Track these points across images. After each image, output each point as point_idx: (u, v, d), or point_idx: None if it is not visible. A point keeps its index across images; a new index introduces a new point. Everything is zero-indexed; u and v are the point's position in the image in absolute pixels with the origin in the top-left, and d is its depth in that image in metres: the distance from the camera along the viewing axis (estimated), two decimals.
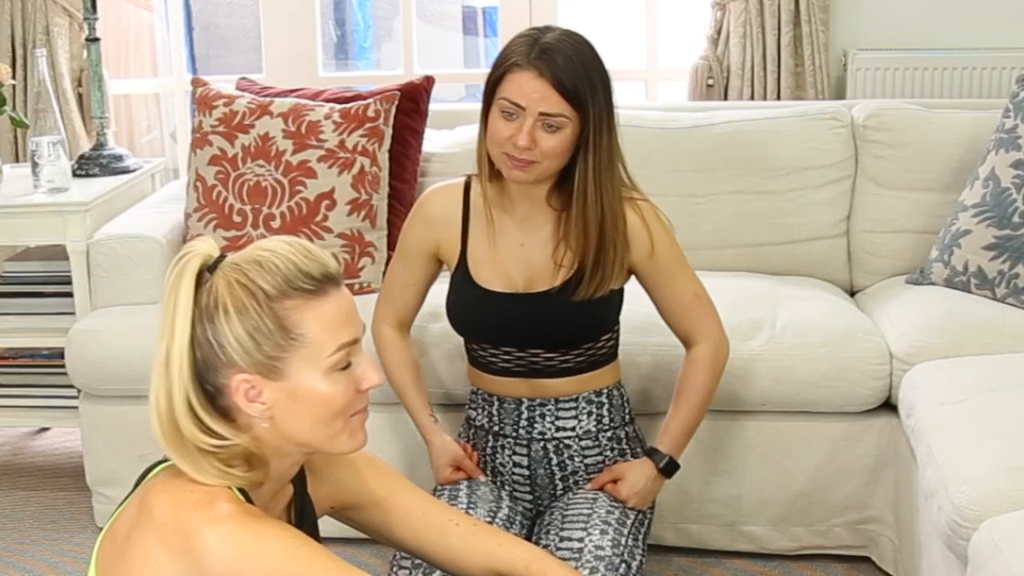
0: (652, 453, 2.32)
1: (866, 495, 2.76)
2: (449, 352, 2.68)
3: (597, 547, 2.09)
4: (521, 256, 2.27)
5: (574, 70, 2.12)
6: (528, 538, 2.24)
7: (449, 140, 3.26)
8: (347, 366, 1.55)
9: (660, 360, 2.65)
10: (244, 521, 1.44)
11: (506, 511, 2.26)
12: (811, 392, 2.69)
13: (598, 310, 2.28)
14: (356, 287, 3.00)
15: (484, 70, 2.48)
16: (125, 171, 3.43)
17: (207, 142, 3.07)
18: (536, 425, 2.31)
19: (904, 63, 3.90)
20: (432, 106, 3.20)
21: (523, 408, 2.31)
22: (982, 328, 2.70)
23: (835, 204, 3.16)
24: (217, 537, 1.42)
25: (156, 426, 1.52)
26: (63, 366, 2.99)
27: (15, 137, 4.15)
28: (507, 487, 2.35)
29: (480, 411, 2.37)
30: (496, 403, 2.33)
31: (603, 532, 2.14)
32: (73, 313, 3.11)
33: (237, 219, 3.03)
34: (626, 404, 2.38)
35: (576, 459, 2.32)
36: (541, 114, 2.12)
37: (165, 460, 1.55)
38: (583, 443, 2.32)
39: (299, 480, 1.70)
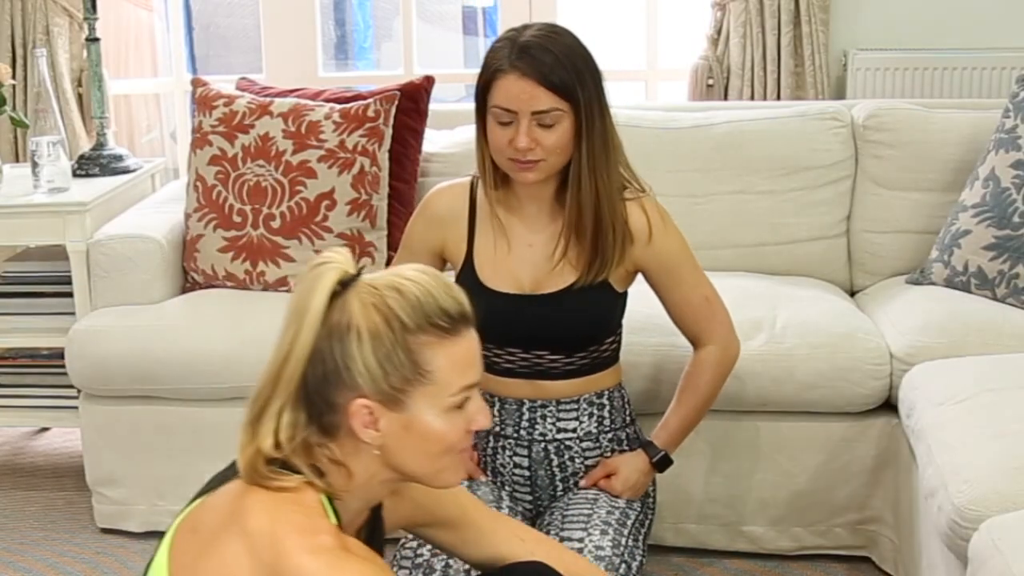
0: (647, 446, 2.33)
1: (866, 495, 2.76)
2: None
3: (597, 547, 2.10)
4: (529, 257, 2.27)
5: (557, 63, 2.12)
6: None
7: (449, 140, 3.26)
8: (462, 405, 1.56)
9: (662, 361, 2.65)
10: (340, 556, 1.43)
11: (506, 511, 2.26)
12: (811, 392, 2.69)
13: (603, 312, 2.28)
14: None
15: None
16: (125, 171, 3.43)
17: (207, 142, 3.07)
18: (537, 426, 2.31)
19: (904, 63, 3.90)
20: (432, 106, 3.20)
21: (524, 409, 2.31)
22: (982, 328, 2.70)
23: (835, 204, 3.16)
24: (312, 567, 1.41)
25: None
26: (63, 366, 2.99)
27: (15, 137, 4.15)
28: (507, 487, 2.35)
29: None
30: (497, 404, 2.33)
31: (603, 532, 2.14)
32: (73, 313, 3.11)
33: (237, 219, 3.02)
34: (627, 406, 2.38)
35: (577, 460, 2.32)
36: (534, 114, 2.12)
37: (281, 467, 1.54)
38: (584, 444, 2.32)
39: (376, 503, 1.70)
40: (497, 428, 2.34)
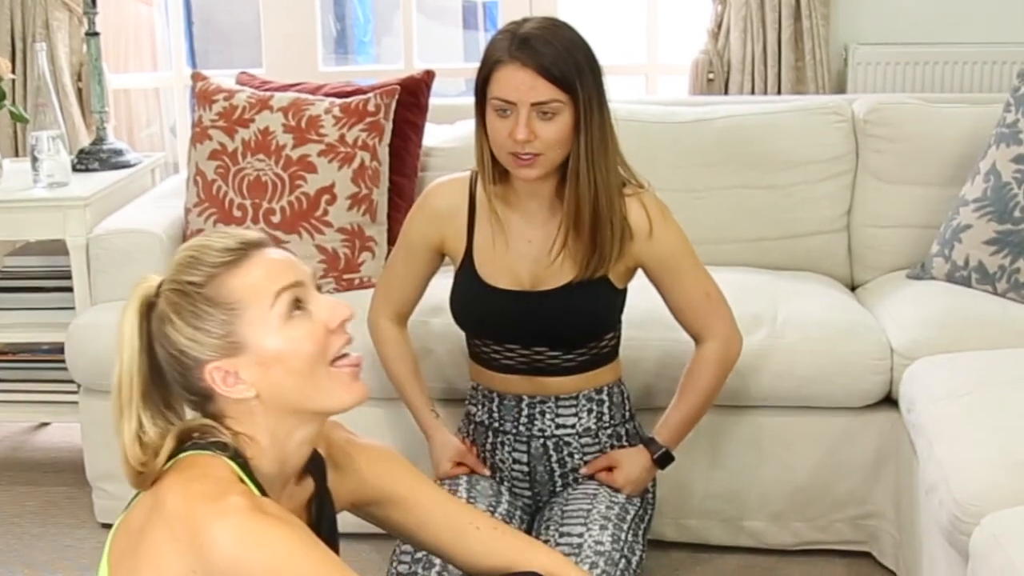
0: (649, 443, 2.32)
1: (867, 490, 2.76)
2: (451, 347, 2.67)
3: (597, 542, 2.09)
4: (528, 254, 2.27)
5: (557, 54, 2.11)
6: (527, 533, 2.23)
7: (449, 134, 3.26)
8: (301, 312, 1.55)
9: (662, 356, 2.65)
10: (252, 516, 1.44)
11: (505, 506, 2.26)
12: (812, 387, 2.69)
13: (602, 308, 2.28)
14: (356, 281, 2.99)
15: None
16: (125, 166, 3.43)
17: (207, 136, 3.07)
18: (536, 422, 2.31)
19: (905, 57, 3.89)
20: (432, 100, 3.20)
21: (523, 405, 2.31)
22: (983, 323, 2.70)
23: (836, 199, 3.15)
24: (223, 530, 1.42)
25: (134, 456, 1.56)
26: (63, 361, 2.99)
27: (15, 132, 4.14)
28: (506, 483, 2.35)
29: (480, 407, 2.37)
30: (496, 399, 2.33)
31: (603, 527, 2.13)
32: (73, 308, 3.11)
33: (237, 214, 3.02)
34: (626, 401, 2.38)
35: (576, 456, 2.32)
36: (533, 105, 2.11)
37: (180, 452, 1.55)
38: (583, 440, 2.31)
39: (320, 476, 1.70)
40: (496, 423, 2.34)
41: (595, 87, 2.16)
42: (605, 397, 2.33)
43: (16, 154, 4.09)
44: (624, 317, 2.36)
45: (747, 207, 3.13)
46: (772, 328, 2.73)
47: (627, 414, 2.37)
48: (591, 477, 2.30)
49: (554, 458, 2.31)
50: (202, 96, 3.12)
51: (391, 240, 3.05)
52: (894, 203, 3.12)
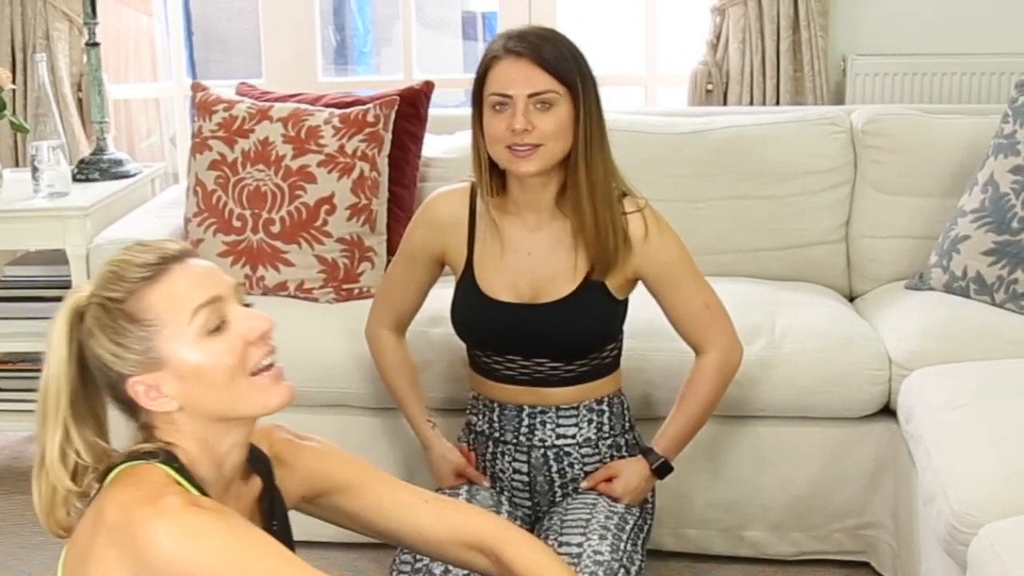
0: (647, 453, 2.33)
1: (865, 500, 2.76)
2: (451, 358, 2.67)
3: (596, 552, 2.09)
4: (528, 266, 2.27)
5: (554, 48, 2.17)
6: None
7: (449, 145, 3.27)
8: (220, 326, 1.55)
9: (662, 366, 2.65)
10: (188, 512, 1.45)
11: (505, 516, 2.26)
12: (810, 397, 2.69)
13: (603, 320, 2.28)
14: (356, 291, 3.00)
15: None
16: (125, 176, 3.44)
17: (207, 147, 3.07)
18: (536, 432, 2.31)
19: (903, 68, 3.90)
20: (432, 111, 3.20)
21: (524, 415, 2.31)
22: (981, 333, 2.70)
23: (834, 209, 3.16)
24: (160, 529, 1.42)
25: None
26: None
27: (15, 142, 4.14)
28: (506, 493, 2.35)
29: (480, 417, 2.37)
30: (497, 409, 2.33)
31: (602, 537, 2.14)
32: None
33: (237, 224, 3.03)
34: (626, 412, 2.38)
35: (576, 466, 2.32)
36: (530, 96, 2.14)
37: (122, 463, 1.56)
38: (583, 451, 2.32)
39: (267, 474, 1.71)
40: (496, 433, 2.34)
41: (592, 84, 2.20)
42: (605, 407, 2.33)
43: (16, 164, 4.10)
44: (625, 327, 2.36)
45: (746, 218, 3.14)
46: (771, 339, 2.74)
47: (627, 424, 2.37)
48: (591, 488, 2.30)
49: (554, 468, 2.32)
50: (202, 106, 3.13)
51: (391, 250, 3.05)
52: (892, 214, 3.12)
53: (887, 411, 2.71)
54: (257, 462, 1.70)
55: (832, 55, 3.93)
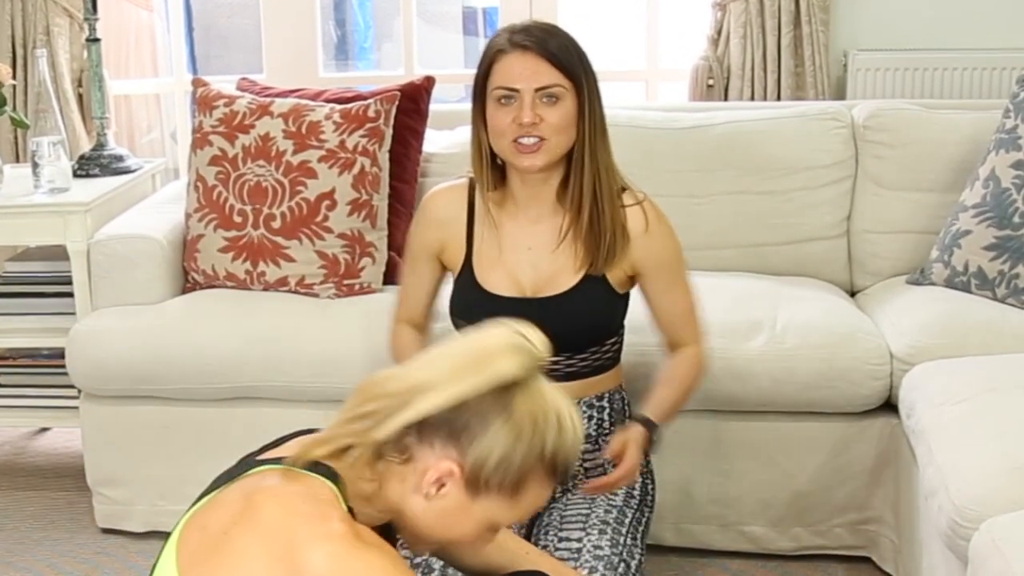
0: (647, 423, 2.23)
1: (866, 495, 2.76)
2: None
3: (596, 547, 2.10)
4: (528, 260, 2.27)
5: (558, 42, 2.18)
6: (527, 539, 2.23)
7: (449, 140, 3.26)
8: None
9: (662, 361, 2.64)
10: (353, 544, 1.43)
11: None
12: (811, 392, 2.69)
13: (604, 313, 2.28)
14: (356, 287, 3.00)
15: None
16: (125, 171, 3.44)
17: (207, 142, 3.07)
18: None
19: (904, 63, 3.90)
20: (432, 106, 3.20)
21: None
22: (982, 328, 2.70)
23: (835, 204, 3.16)
24: (323, 554, 1.41)
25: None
26: (64, 366, 2.99)
27: (16, 137, 4.15)
28: None
29: None
30: None
31: (601, 532, 2.14)
32: (74, 313, 3.11)
33: (237, 219, 3.02)
34: (627, 408, 2.38)
35: (575, 463, 2.31)
36: (537, 90, 2.14)
37: (261, 454, 1.54)
38: (583, 447, 2.31)
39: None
40: None
41: (594, 82, 2.21)
42: (606, 404, 2.33)
43: (17, 160, 4.10)
44: (626, 322, 2.36)
45: (747, 213, 3.14)
46: (772, 334, 2.73)
47: (627, 421, 2.37)
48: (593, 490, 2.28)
49: None
50: (203, 102, 3.12)
51: (391, 246, 3.05)
52: (894, 209, 3.12)
53: (888, 406, 2.71)
54: None
55: (833, 50, 3.94)
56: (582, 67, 2.18)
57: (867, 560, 2.82)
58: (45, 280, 3.31)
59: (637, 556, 2.15)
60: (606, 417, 2.33)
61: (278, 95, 3.18)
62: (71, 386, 3.04)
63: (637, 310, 2.38)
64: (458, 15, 6.87)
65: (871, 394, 2.69)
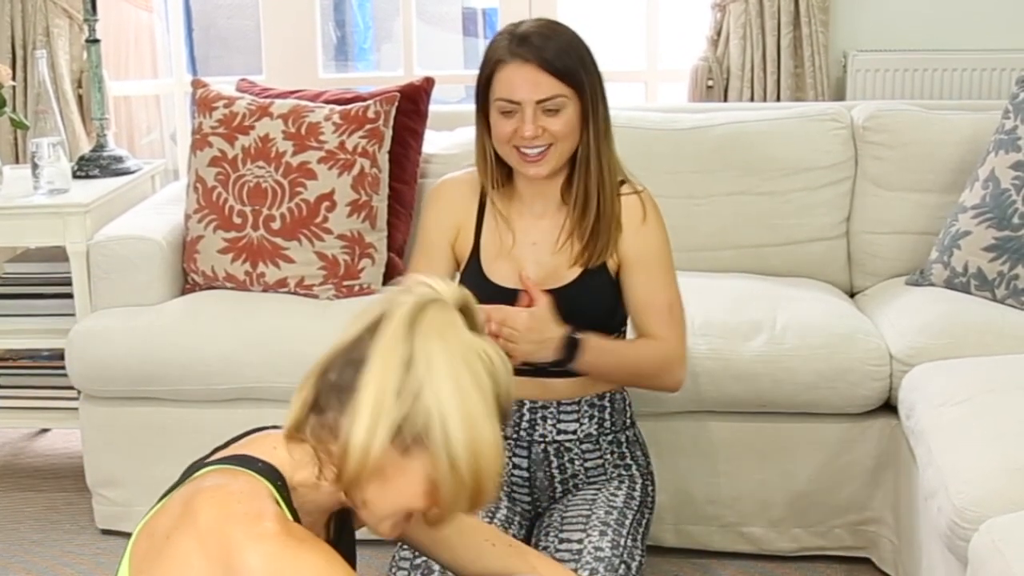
0: (573, 336, 2.18)
1: (866, 496, 2.76)
2: None
3: (596, 548, 2.10)
4: (533, 255, 2.28)
5: (558, 48, 2.15)
6: (527, 539, 2.24)
7: (449, 141, 3.27)
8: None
9: None
10: (287, 543, 1.42)
11: (504, 512, 2.26)
12: (811, 393, 2.69)
13: (608, 303, 2.28)
14: (356, 288, 3.00)
15: None
16: (125, 172, 3.44)
17: (207, 143, 3.07)
18: (537, 428, 2.31)
19: (904, 64, 3.90)
20: (432, 107, 3.20)
21: (525, 410, 2.31)
22: (982, 329, 2.70)
23: (835, 205, 3.16)
24: (257, 555, 1.40)
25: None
26: (63, 367, 2.99)
27: (15, 138, 4.15)
28: (506, 488, 2.35)
29: None
30: None
31: (602, 533, 2.14)
32: (73, 314, 3.11)
33: (237, 220, 3.03)
34: (628, 408, 2.38)
35: (576, 462, 2.32)
36: (538, 102, 2.13)
37: (210, 457, 1.54)
38: (584, 446, 2.31)
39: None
40: None
41: (597, 78, 2.20)
42: (607, 403, 2.33)
43: (16, 161, 4.10)
44: (629, 320, 2.36)
45: (746, 214, 3.14)
46: (771, 334, 2.73)
47: (628, 420, 2.37)
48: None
49: (554, 464, 2.31)
50: (202, 103, 3.13)
51: (391, 247, 3.05)
52: (893, 209, 3.12)
53: (888, 407, 2.71)
54: None
55: (833, 51, 3.94)
56: (584, 69, 2.17)
57: (867, 561, 2.82)
58: (45, 281, 3.31)
59: (638, 557, 2.16)
60: (607, 417, 2.33)
61: (278, 96, 3.18)
62: (71, 387, 3.04)
63: None
64: (458, 16, 6.87)
65: (871, 395, 2.69)
